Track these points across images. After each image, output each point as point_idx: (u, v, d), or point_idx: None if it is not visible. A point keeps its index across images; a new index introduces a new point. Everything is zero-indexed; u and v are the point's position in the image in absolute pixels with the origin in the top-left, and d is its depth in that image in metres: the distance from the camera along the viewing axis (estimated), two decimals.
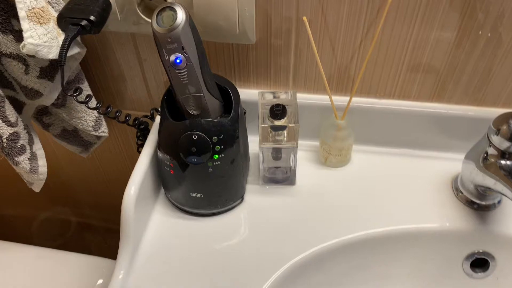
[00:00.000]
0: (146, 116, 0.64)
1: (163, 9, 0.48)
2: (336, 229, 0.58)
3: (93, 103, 0.62)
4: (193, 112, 0.53)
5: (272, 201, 0.62)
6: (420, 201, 0.62)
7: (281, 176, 0.64)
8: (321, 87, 0.64)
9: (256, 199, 0.63)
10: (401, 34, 0.57)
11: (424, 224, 0.60)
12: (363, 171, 0.66)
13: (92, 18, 0.52)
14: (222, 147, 0.53)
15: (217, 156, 0.54)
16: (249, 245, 0.57)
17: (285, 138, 0.58)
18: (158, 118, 0.63)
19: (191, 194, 0.57)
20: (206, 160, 0.54)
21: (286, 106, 0.57)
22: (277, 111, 0.56)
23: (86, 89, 0.65)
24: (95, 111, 0.69)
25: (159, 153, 0.57)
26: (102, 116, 0.70)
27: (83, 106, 0.67)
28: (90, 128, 0.69)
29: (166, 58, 0.49)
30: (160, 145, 0.57)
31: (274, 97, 0.60)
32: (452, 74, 0.60)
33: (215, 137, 0.53)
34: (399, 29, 0.56)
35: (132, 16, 0.58)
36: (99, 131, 0.71)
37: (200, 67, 0.50)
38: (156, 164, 0.60)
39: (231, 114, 0.54)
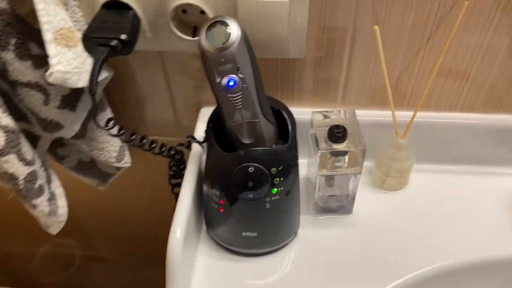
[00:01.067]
0: (181, 144, 0.56)
1: (213, 24, 0.40)
2: (404, 264, 0.52)
3: (115, 130, 0.54)
4: (246, 141, 0.46)
5: (328, 234, 0.55)
6: (493, 225, 0.55)
7: (335, 204, 0.57)
8: (374, 101, 0.58)
9: (311, 232, 0.55)
10: (471, 42, 0.50)
11: (502, 251, 0.53)
12: (425, 193, 0.59)
13: (123, 37, 0.44)
14: (281, 179, 0.46)
15: (275, 189, 0.47)
16: (309, 285, 0.50)
17: (345, 164, 0.51)
18: (195, 147, 0.55)
19: (243, 234, 0.50)
20: (263, 195, 0.46)
21: (346, 127, 0.50)
22: (338, 133, 0.49)
23: (110, 116, 0.58)
24: (118, 141, 0.61)
25: (205, 188, 0.50)
26: (126, 145, 0.63)
27: (107, 136, 0.59)
28: (113, 160, 0.61)
29: (218, 81, 0.42)
30: (206, 179, 0.49)
31: (325, 116, 0.53)
32: None
33: (274, 169, 0.46)
34: (470, 36, 0.50)
35: (163, 33, 0.50)
36: (123, 162, 0.63)
37: (256, 89, 0.43)
38: (199, 199, 0.53)
39: (289, 140, 0.47)
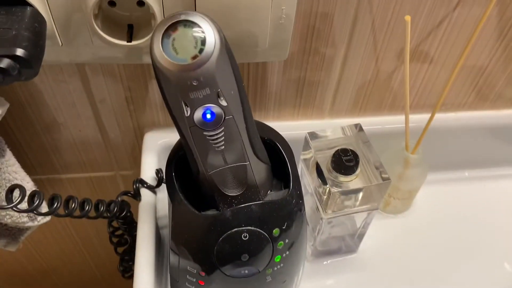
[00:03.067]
0: (124, 194, 0.39)
1: (173, 26, 0.25)
2: None
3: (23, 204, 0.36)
4: (232, 192, 0.31)
5: (334, 283, 0.43)
6: None
7: (337, 245, 0.44)
8: (373, 106, 0.45)
9: (312, 284, 0.43)
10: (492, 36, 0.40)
11: None
12: (437, 212, 0.49)
13: (19, 53, 0.27)
14: (286, 241, 0.32)
15: (279, 257, 0.33)
16: None
17: (357, 202, 0.38)
18: (146, 194, 0.39)
19: None
20: (263, 268, 0.32)
21: (357, 152, 0.37)
22: (348, 162, 0.36)
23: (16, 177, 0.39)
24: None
25: (172, 258, 0.34)
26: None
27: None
28: (25, 219, 0.43)
29: (188, 115, 0.26)
30: (175, 246, 0.34)
31: (318, 137, 0.40)
32: None
33: (277, 229, 0.32)
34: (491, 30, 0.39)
35: (82, 37, 0.33)
36: (39, 218, 0.45)
37: (244, 120, 0.28)
38: (160, 270, 0.37)
39: (291, 186, 0.33)
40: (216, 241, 0.31)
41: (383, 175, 0.36)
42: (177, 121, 0.28)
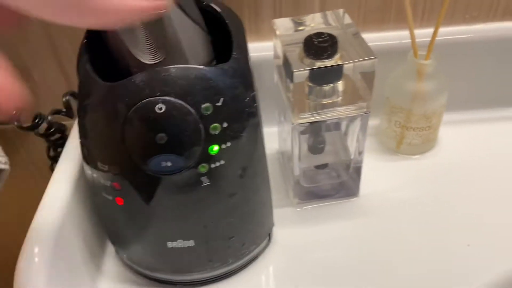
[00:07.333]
0: (57, 113, 0.33)
1: None
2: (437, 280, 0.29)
3: None
4: (149, 60, 0.24)
5: (323, 235, 0.33)
6: None
7: (329, 182, 0.34)
8: (371, 19, 0.37)
9: (293, 233, 0.33)
10: None
11: None
12: (464, 154, 0.37)
13: None
14: (226, 125, 0.24)
15: (216, 148, 0.24)
16: None
17: (338, 99, 0.29)
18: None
19: (169, 245, 0.27)
20: (194, 161, 0.24)
21: (336, 36, 0.28)
22: (321, 43, 0.27)
23: None
24: None
25: (87, 170, 0.27)
26: None
27: None
28: None
29: None
30: (84, 149, 0.26)
31: (297, 25, 0.31)
32: None
33: (208, 104, 0.23)
34: None
35: None
36: None
37: None
38: (90, 196, 0.30)
39: (233, 55, 0.25)
40: (123, 118, 0.23)
41: (370, 59, 0.27)
42: None
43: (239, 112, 0.24)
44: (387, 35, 0.37)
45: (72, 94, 0.32)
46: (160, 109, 0.22)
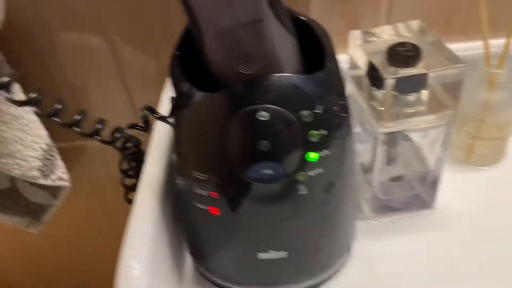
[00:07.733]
0: (133, 126, 0.33)
1: None
2: None
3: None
4: (246, 69, 0.24)
5: (405, 250, 0.32)
6: None
7: (403, 195, 0.34)
8: (438, 25, 0.37)
9: (373, 247, 0.32)
10: None
11: None
12: None
13: None
14: (324, 132, 0.24)
15: (316, 155, 0.24)
16: None
17: (423, 109, 0.29)
18: (157, 125, 0.33)
19: (260, 256, 0.27)
20: (293, 169, 0.24)
21: (418, 46, 0.28)
22: (405, 52, 0.28)
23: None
24: (39, 139, 0.38)
25: (179, 181, 0.27)
26: (54, 148, 0.40)
27: (16, 129, 0.36)
28: (36, 173, 0.38)
29: None
30: (180, 162, 0.26)
31: (368, 37, 0.32)
32: None
33: (308, 111, 0.23)
34: None
35: None
36: (53, 176, 0.40)
37: None
38: (172, 210, 0.30)
39: (326, 64, 0.25)
40: (226, 126, 0.23)
41: (459, 66, 0.27)
42: None
43: (337, 120, 0.24)
44: (453, 46, 0.37)
45: (149, 109, 0.32)
46: (263, 116, 0.23)
